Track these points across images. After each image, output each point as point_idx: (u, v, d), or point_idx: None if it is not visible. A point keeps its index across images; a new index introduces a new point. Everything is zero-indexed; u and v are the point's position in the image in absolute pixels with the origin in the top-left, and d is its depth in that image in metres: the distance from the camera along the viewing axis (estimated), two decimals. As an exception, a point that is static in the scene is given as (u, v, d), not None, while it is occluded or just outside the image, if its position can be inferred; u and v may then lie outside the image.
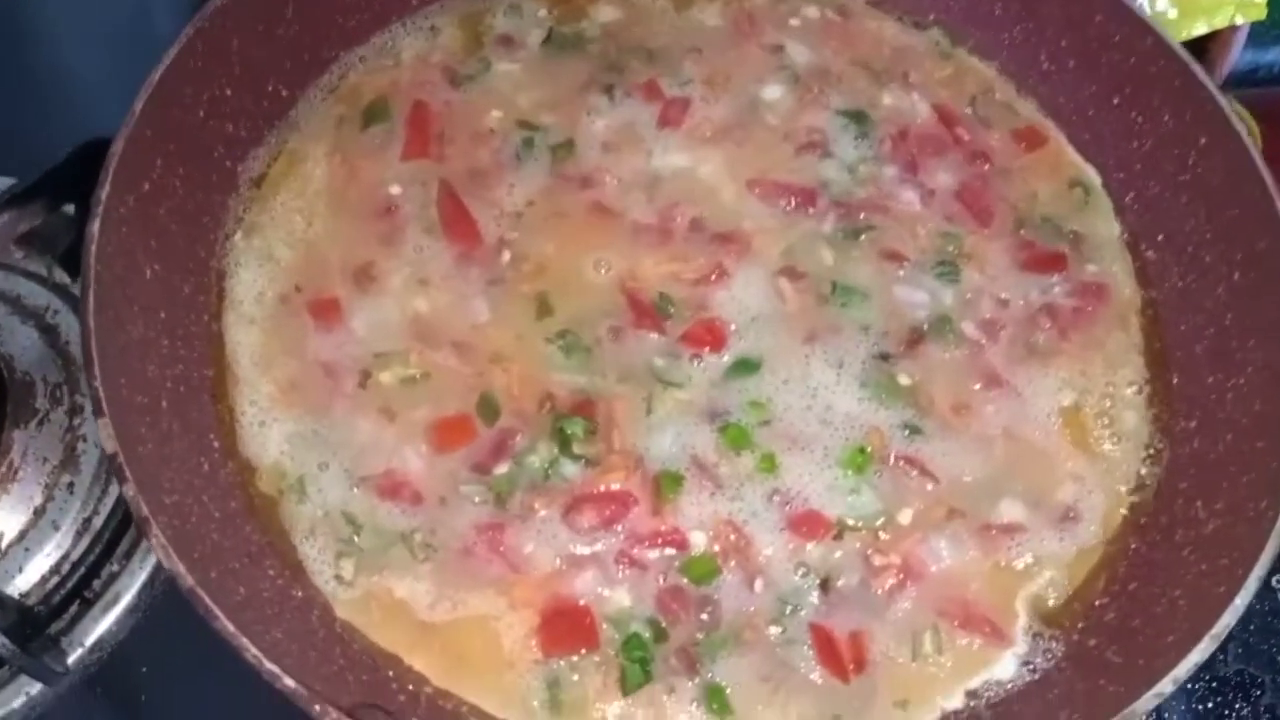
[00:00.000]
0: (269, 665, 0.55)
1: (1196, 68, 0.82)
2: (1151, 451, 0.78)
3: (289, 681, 0.54)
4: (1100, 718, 0.59)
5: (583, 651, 0.68)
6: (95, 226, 0.69)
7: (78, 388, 0.97)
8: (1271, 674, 0.92)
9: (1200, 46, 1.03)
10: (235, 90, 0.83)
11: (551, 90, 0.92)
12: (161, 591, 0.89)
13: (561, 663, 0.67)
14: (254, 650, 0.55)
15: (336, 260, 0.82)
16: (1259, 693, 0.91)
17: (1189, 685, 0.90)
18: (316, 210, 0.84)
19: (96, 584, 0.89)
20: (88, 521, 0.91)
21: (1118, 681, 0.63)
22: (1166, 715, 0.89)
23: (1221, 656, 0.92)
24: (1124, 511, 0.75)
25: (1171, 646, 0.62)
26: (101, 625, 0.87)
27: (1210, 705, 0.90)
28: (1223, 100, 0.81)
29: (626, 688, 0.66)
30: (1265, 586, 0.96)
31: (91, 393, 0.63)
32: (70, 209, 0.91)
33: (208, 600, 0.56)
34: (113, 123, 0.76)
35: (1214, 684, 0.91)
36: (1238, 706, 0.90)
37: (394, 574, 0.69)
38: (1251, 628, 0.93)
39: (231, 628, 0.55)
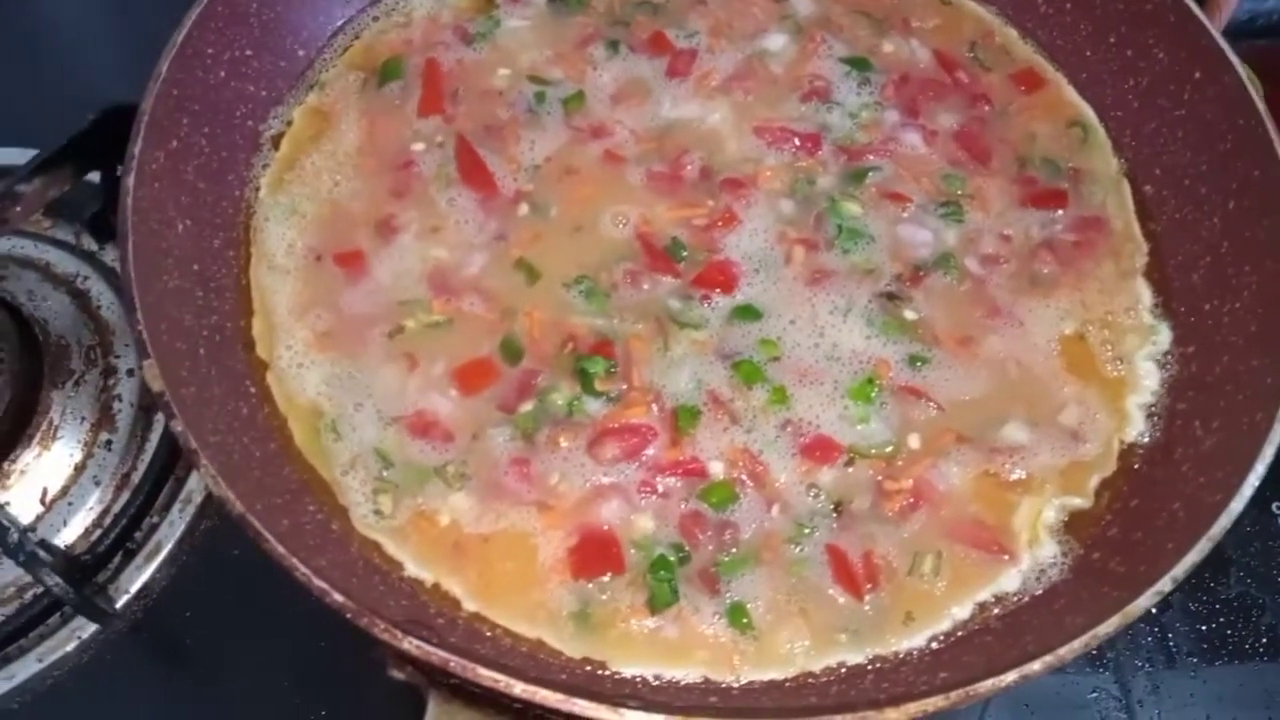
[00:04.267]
0: (318, 582, 0.58)
1: (1190, 2, 0.84)
2: (1154, 373, 0.80)
3: (337, 596, 0.58)
4: (1103, 618, 0.62)
5: (609, 575, 0.71)
6: (130, 180, 0.72)
7: (111, 350, 1.01)
8: (1271, 594, 0.95)
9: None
10: (255, 51, 0.86)
11: (560, 46, 0.95)
12: (201, 541, 0.93)
13: (591, 584, 0.70)
14: (303, 569, 0.58)
15: (360, 214, 0.85)
16: (1259, 613, 0.94)
17: (1192, 606, 0.94)
18: (344, 170, 0.87)
19: (138, 535, 0.93)
20: (126, 477, 0.95)
21: (1120, 587, 0.66)
22: (1171, 636, 0.92)
23: (1224, 579, 0.96)
24: (1126, 432, 0.78)
25: (1171, 552, 0.65)
26: (145, 573, 0.91)
27: (1214, 625, 0.93)
28: (1216, 34, 0.83)
29: (655, 607, 0.70)
30: (1266, 511, 1.00)
31: (135, 335, 0.66)
32: (95, 176, 0.94)
33: (257, 524, 0.59)
34: (122, 91, 0.78)
35: (1217, 605, 0.94)
36: (1239, 626, 0.94)
37: (433, 500, 0.72)
38: (1253, 550, 0.97)
39: (281, 549, 0.59)
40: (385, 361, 0.78)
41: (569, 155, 0.89)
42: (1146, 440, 0.78)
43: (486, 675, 0.56)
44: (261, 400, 0.77)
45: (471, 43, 0.94)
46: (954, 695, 0.60)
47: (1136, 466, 0.76)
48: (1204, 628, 0.93)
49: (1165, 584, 0.64)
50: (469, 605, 0.70)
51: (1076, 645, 0.62)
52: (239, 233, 0.83)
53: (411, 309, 0.80)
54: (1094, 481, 0.76)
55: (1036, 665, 0.61)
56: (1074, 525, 0.75)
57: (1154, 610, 0.68)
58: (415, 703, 0.68)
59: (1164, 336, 0.82)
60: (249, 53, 0.86)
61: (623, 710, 0.58)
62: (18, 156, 1.08)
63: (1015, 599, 0.72)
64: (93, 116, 0.88)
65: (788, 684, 0.69)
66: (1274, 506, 0.99)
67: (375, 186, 0.86)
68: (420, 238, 0.84)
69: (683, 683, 0.68)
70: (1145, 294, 0.84)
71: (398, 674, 0.60)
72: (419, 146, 0.88)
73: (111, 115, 0.83)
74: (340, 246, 0.83)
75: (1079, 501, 0.75)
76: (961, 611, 0.72)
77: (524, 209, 0.86)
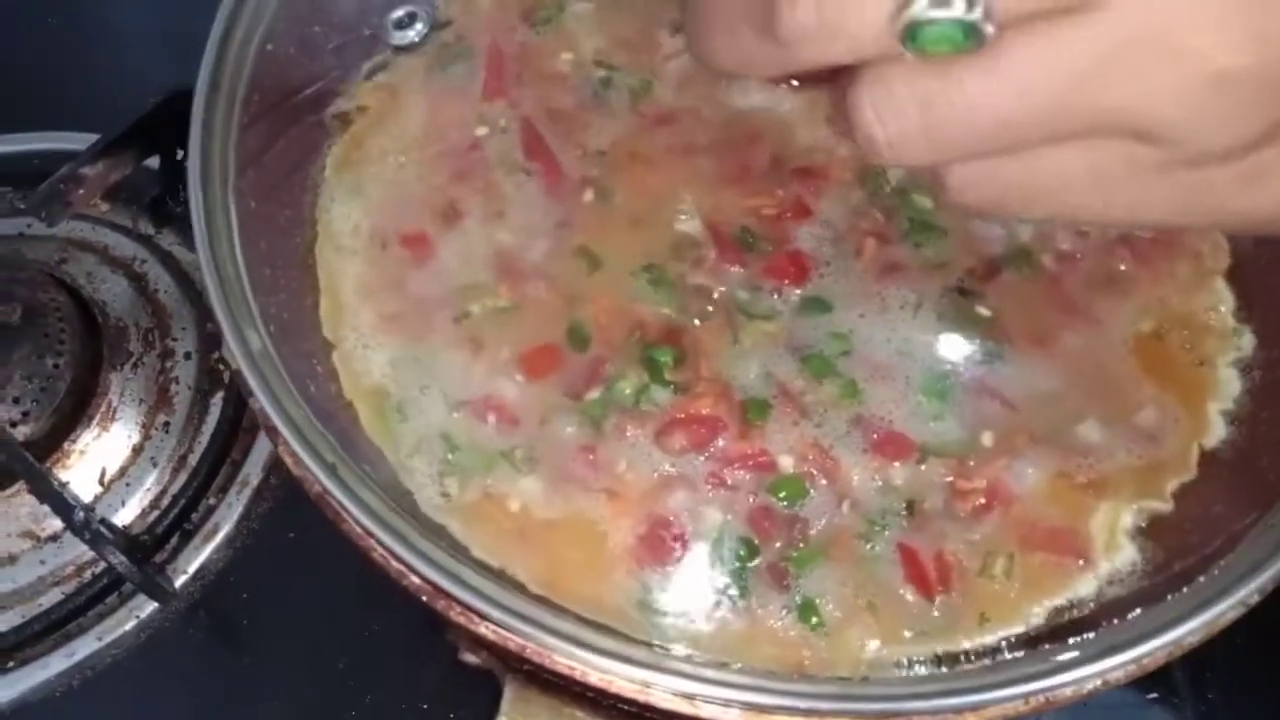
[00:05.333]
0: (395, 564, 0.57)
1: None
2: (1235, 379, 0.78)
3: (414, 579, 0.57)
4: (1187, 623, 0.61)
5: (676, 569, 0.70)
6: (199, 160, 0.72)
7: (168, 333, 1.02)
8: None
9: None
10: (324, 27, 0.86)
11: (625, 31, 0.94)
12: (258, 524, 0.94)
13: (657, 575, 0.70)
14: (380, 549, 0.58)
15: (425, 197, 0.84)
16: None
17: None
18: (409, 152, 0.86)
19: (195, 517, 0.94)
20: (183, 459, 0.95)
21: (1204, 596, 0.64)
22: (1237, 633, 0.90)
23: None
24: (1207, 437, 0.76)
25: (1258, 561, 0.64)
26: (202, 554, 0.92)
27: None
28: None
29: (722, 600, 0.69)
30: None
31: (212, 313, 0.65)
32: (153, 161, 0.94)
33: (336, 502, 0.58)
34: (174, 76, 0.78)
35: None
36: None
37: (502, 484, 0.72)
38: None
39: (359, 529, 0.58)
40: (451, 346, 0.78)
41: (635, 142, 0.87)
42: (1229, 446, 0.76)
43: (562, 662, 0.56)
44: (327, 381, 0.76)
45: (535, 26, 0.94)
46: (1034, 701, 0.59)
47: (1218, 473, 0.74)
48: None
49: (1253, 596, 0.62)
50: (535, 591, 0.69)
51: (1160, 655, 0.61)
52: (305, 212, 0.83)
53: (477, 293, 0.80)
54: (1172, 486, 0.74)
55: (1120, 673, 0.60)
56: (1153, 531, 0.73)
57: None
58: (474, 688, 0.68)
59: (1247, 341, 0.80)
60: (317, 28, 0.86)
61: (698, 702, 0.57)
62: (76, 141, 1.09)
63: (1090, 604, 0.71)
64: (156, 100, 0.88)
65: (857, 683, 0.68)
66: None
67: (440, 169, 0.86)
68: (485, 222, 0.84)
69: (751, 677, 0.67)
70: (1227, 296, 0.82)
71: (471, 658, 0.59)
72: (483, 130, 0.88)
73: (175, 99, 0.83)
74: (405, 229, 0.83)
75: (1157, 506, 0.74)
76: (1034, 618, 0.70)
77: (589, 195, 0.85)
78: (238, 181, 0.75)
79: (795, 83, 0.82)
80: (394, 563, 0.57)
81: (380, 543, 0.57)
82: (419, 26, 0.89)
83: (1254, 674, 0.88)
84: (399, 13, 0.89)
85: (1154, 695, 0.87)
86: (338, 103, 0.88)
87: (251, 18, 0.80)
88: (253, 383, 0.62)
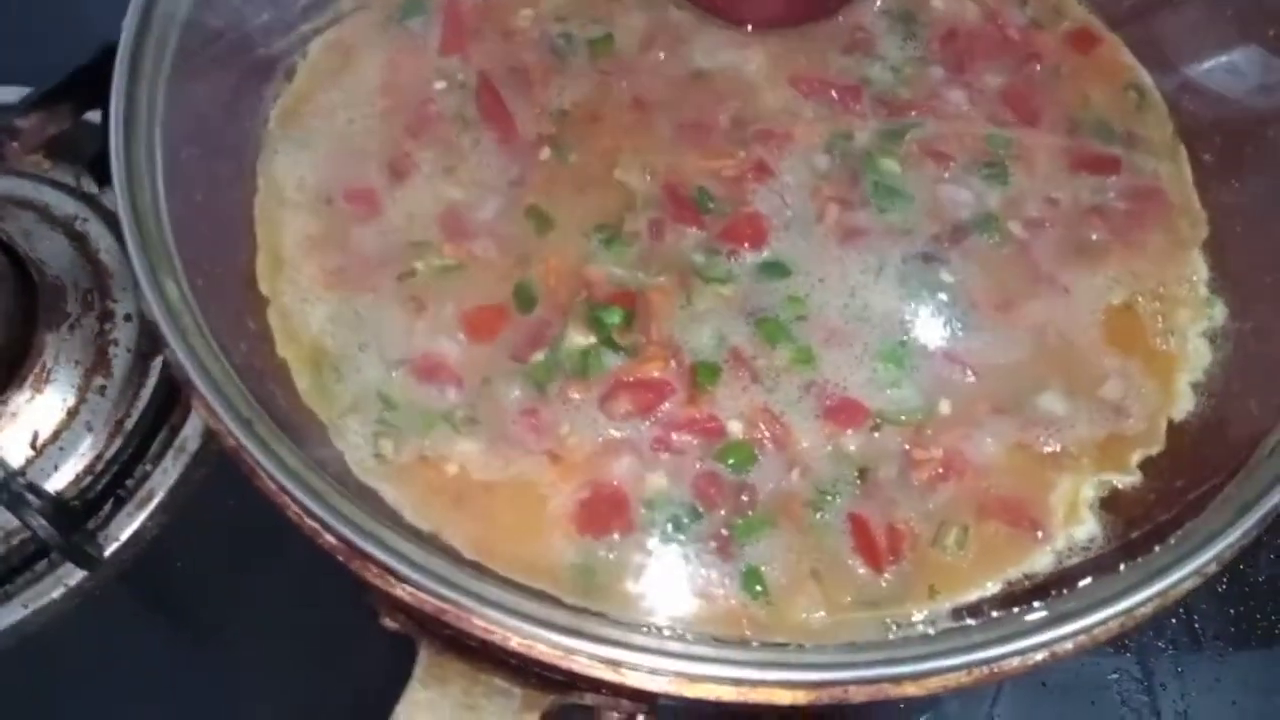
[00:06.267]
0: (309, 522, 0.55)
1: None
2: (1206, 350, 0.76)
3: (329, 538, 0.54)
4: (1140, 592, 0.58)
5: (618, 534, 0.68)
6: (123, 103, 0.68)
7: (109, 294, 0.98)
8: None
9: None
10: (270, -23, 0.83)
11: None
12: (194, 491, 0.91)
13: (597, 541, 0.67)
14: (295, 508, 0.55)
15: (375, 151, 0.81)
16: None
17: (1219, 589, 0.90)
18: (361, 107, 0.83)
19: (129, 483, 0.91)
20: (120, 423, 0.92)
21: (1162, 567, 0.61)
22: (1197, 618, 0.89)
23: (1254, 562, 0.92)
24: (1175, 409, 0.74)
25: (1218, 532, 0.61)
26: (135, 521, 0.89)
27: (1242, 609, 0.90)
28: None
29: (663, 567, 0.66)
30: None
31: (131, 264, 0.62)
32: (95, 116, 0.90)
33: (250, 459, 0.55)
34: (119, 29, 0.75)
35: (1245, 588, 0.91)
36: (1268, 609, 0.90)
37: (440, 445, 0.69)
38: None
39: (273, 485, 0.55)
40: (394, 303, 0.75)
41: (594, 100, 0.84)
42: (1197, 418, 0.73)
43: (481, 625, 0.53)
44: (260, 338, 0.73)
45: (496, -20, 0.90)
46: (976, 672, 0.57)
47: (1185, 445, 0.72)
48: (1232, 610, 0.90)
49: (1210, 566, 0.60)
50: (468, 556, 0.66)
51: (1112, 626, 0.58)
52: (247, 165, 0.80)
53: (422, 251, 0.77)
54: (1137, 458, 0.72)
55: (1069, 644, 0.57)
56: (1115, 503, 0.70)
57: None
58: (412, 655, 0.65)
59: (1219, 311, 0.77)
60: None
61: (622, 669, 0.54)
62: (11, 95, 1.05)
63: (1044, 577, 0.68)
64: (93, 52, 0.85)
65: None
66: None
67: (392, 124, 0.83)
68: (435, 178, 0.81)
69: (690, 649, 0.64)
70: (1201, 267, 0.79)
71: (390, 623, 0.56)
72: (440, 85, 0.85)
73: (113, 52, 0.79)
74: (353, 184, 0.80)
75: (1121, 478, 0.71)
76: (987, 590, 0.68)
77: (545, 153, 0.82)
78: (166, 131, 0.71)
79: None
80: (308, 520, 0.54)
81: (294, 499, 0.54)
82: (357, -33, 0.86)
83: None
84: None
85: (1114, 675, 0.85)
86: (287, 54, 0.85)
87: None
88: (167, 332, 0.59)
